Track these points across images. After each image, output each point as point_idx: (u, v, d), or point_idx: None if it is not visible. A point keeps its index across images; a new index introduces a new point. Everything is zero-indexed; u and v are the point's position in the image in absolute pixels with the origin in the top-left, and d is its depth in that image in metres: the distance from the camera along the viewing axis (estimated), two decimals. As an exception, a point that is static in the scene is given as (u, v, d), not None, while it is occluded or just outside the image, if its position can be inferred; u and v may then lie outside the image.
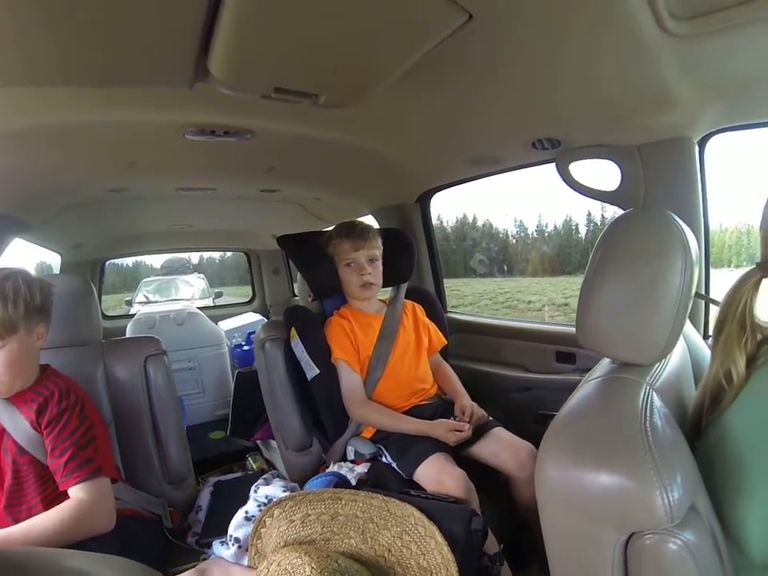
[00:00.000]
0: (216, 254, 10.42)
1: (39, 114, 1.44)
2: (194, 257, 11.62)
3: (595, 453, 0.79)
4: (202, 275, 10.10)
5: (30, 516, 1.39)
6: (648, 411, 0.80)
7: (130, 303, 7.55)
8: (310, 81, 1.25)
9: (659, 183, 1.63)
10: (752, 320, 0.92)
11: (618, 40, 1.14)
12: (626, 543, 0.77)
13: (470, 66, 1.30)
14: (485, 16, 0.97)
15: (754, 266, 0.93)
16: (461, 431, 1.74)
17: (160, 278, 9.77)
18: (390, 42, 1.08)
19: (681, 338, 1.18)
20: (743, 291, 0.93)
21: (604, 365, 1.04)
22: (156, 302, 7.78)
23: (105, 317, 4.45)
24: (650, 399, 0.84)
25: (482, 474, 1.70)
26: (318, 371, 1.90)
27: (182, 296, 8.71)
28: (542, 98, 1.48)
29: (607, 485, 0.75)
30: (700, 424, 0.96)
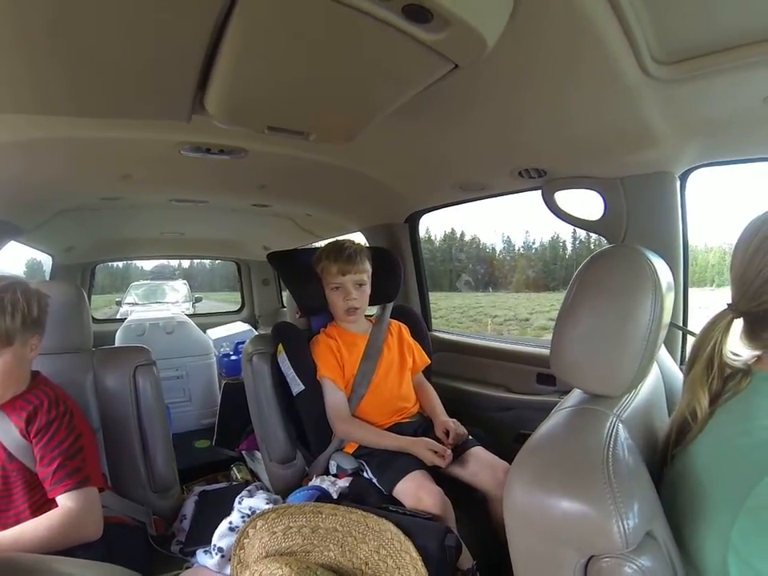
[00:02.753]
0: (206, 261, 10.89)
1: (40, 129, 1.47)
2: (185, 262, 12.29)
3: (559, 480, 0.82)
4: (185, 281, 10.85)
5: (18, 522, 1.40)
6: (612, 442, 0.83)
7: (119, 303, 8.41)
8: (301, 121, 1.30)
9: (641, 215, 1.68)
10: (720, 359, 0.95)
11: (600, 82, 1.19)
12: (585, 565, 0.81)
13: (455, 104, 1.36)
14: (470, 65, 1.01)
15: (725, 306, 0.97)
16: (440, 455, 1.76)
17: (149, 282, 10.62)
18: (378, 88, 1.13)
19: (655, 366, 1.22)
20: (714, 332, 0.96)
21: (576, 394, 1.07)
22: (144, 303, 8.69)
23: (94, 320, 4.44)
24: (615, 430, 0.87)
25: (460, 492, 1.73)
26: (303, 387, 1.93)
27: (168, 299, 9.49)
28: (526, 132, 1.53)
29: (568, 510, 0.78)
30: (668, 453, 1.00)
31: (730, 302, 0.97)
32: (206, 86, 1.08)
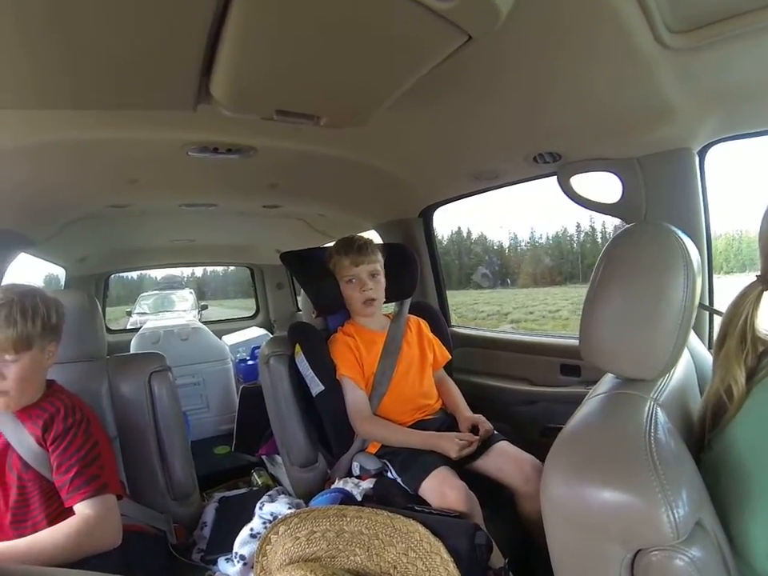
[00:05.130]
0: (219, 269, 11.37)
1: (45, 132, 1.46)
2: (197, 271, 13.10)
3: (600, 470, 0.79)
4: (191, 290, 11.37)
5: (35, 532, 1.38)
6: (652, 427, 0.80)
7: (130, 314, 8.94)
8: (311, 103, 1.26)
9: (660, 194, 1.64)
10: (753, 333, 0.92)
11: (615, 55, 1.16)
12: (632, 560, 0.77)
13: (469, 83, 1.32)
14: (484, 36, 0.98)
15: (755, 278, 0.93)
16: (470, 443, 1.74)
17: (157, 292, 11.15)
18: (390, 65, 1.09)
19: (685, 350, 1.18)
20: (744, 305, 0.93)
21: (608, 380, 1.03)
22: (153, 312, 9.21)
23: (109, 331, 4.46)
24: (654, 415, 0.83)
25: (488, 489, 1.69)
26: (323, 387, 1.90)
27: (177, 308, 10.06)
28: (541, 112, 1.49)
29: (612, 502, 0.74)
30: (704, 437, 0.96)
31: (758, 273, 0.94)
32: (211, 71, 1.04)
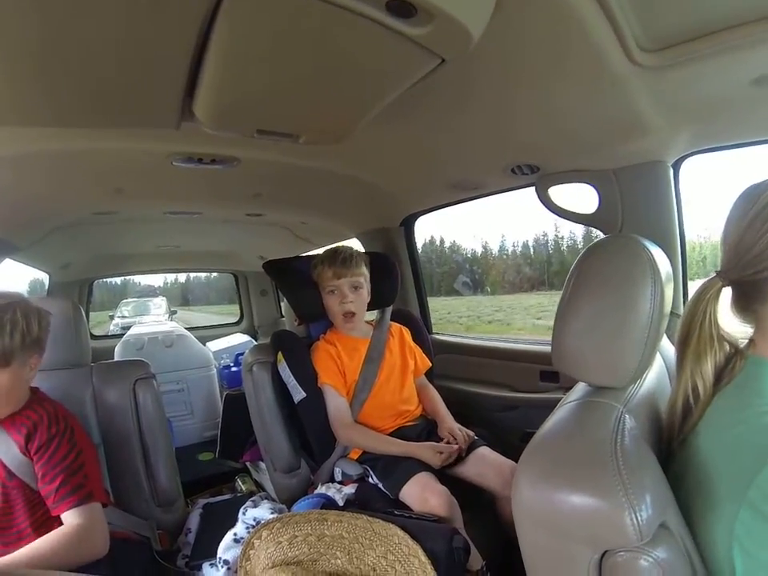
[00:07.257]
0: (202, 275, 12.44)
1: (29, 142, 1.47)
2: (181, 277, 14.99)
3: (567, 475, 0.81)
4: (164, 298, 13.60)
5: (20, 539, 1.38)
6: (619, 434, 0.82)
7: (112, 317, 10.95)
8: (290, 123, 1.29)
9: (636, 205, 1.67)
10: (718, 331, 0.93)
11: (588, 73, 1.19)
12: (599, 560, 0.79)
13: (442, 100, 1.35)
14: (457, 59, 1.01)
15: (713, 274, 0.93)
16: (447, 453, 1.76)
17: (135, 299, 13.18)
18: (366, 86, 1.13)
19: (658, 356, 1.21)
20: (705, 302, 0.93)
21: (580, 388, 1.06)
22: (133, 317, 10.89)
23: (92, 337, 4.42)
24: (622, 422, 0.85)
25: (468, 493, 1.71)
26: (305, 395, 1.91)
27: (153, 313, 12.13)
28: (517, 127, 1.53)
29: (579, 505, 0.77)
30: (671, 442, 0.97)
31: (718, 269, 0.94)
32: (194, 92, 1.07)
